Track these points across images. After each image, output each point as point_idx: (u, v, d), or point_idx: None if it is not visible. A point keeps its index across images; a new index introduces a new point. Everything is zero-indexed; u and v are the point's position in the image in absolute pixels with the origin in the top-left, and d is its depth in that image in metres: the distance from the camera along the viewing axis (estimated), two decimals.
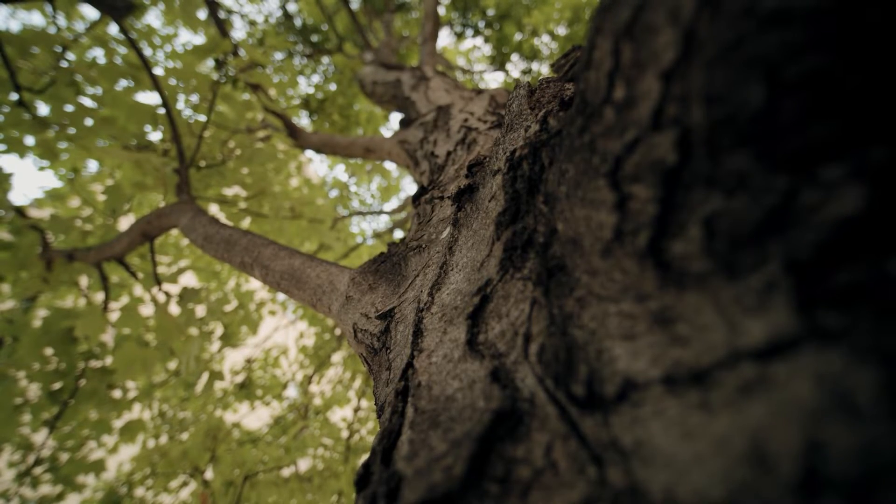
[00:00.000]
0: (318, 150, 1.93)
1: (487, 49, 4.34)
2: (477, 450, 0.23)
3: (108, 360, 1.82)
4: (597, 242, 0.22)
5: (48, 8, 1.65)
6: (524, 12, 3.90)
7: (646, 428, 0.18)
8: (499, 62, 4.18)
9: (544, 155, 0.33)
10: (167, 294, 1.57)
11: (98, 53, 2.91)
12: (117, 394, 1.86)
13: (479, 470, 0.23)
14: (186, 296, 1.53)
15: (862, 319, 0.14)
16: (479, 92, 1.09)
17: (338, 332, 3.57)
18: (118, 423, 2.03)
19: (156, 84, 1.32)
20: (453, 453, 0.24)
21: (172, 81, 1.49)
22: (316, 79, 4.14)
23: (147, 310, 1.62)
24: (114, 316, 1.90)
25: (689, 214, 0.17)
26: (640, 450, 0.18)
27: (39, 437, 2.25)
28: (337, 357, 3.85)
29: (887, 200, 0.13)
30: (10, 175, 1.66)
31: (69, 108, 1.53)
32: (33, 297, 1.84)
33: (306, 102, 3.31)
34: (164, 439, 3.24)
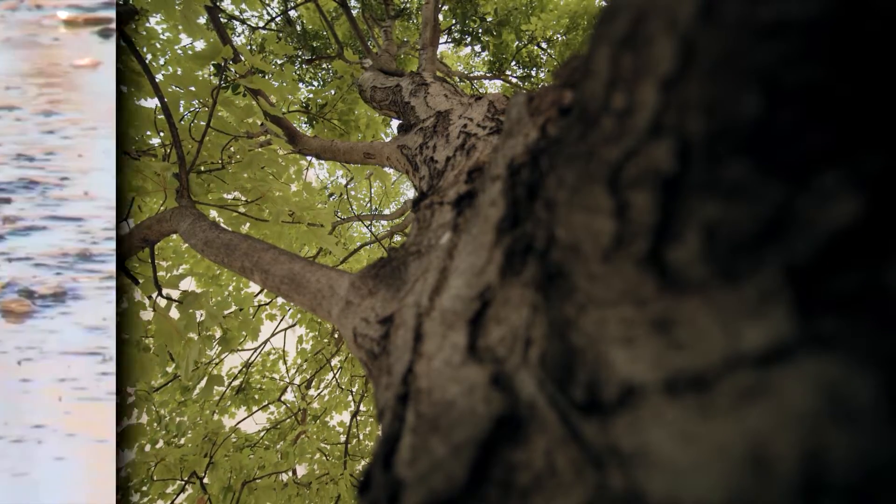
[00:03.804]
0: (318, 156, 1.93)
1: (486, 55, 4.37)
2: (478, 455, 0.23)
3: None
4: (596, 248, 0.22)
5: None
6: (523, 19, 3.92)
7: (645, 432, 0.18)
8: (497, 68, 4.21)
9: (543, 161, 0.33)
10: (167, 298, 1.56)
11: None
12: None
13: (480, 474, 0.23)
14: (187, 300, 1.53)
15: (860, 325, 0.14)
16: (478, 98, 1.09)
17: (336, 335, 3.57)
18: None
19: (156, 89, 1.33)
20: (454, 458, 0.24)
21: (173, 87, 1.49)
22: (316, 84, 4.16)
23: (147, 314, 1.62)
24: None
25: (687, 221, 0.17)
26: (640, 454, 0.18)
27: None
28: (335, 361, 3.84)
29: (883, 209, 0.13)
30: None
31: None
32: None
33: (306, 107, 3.32)
34: (160, 444, 3.22)
